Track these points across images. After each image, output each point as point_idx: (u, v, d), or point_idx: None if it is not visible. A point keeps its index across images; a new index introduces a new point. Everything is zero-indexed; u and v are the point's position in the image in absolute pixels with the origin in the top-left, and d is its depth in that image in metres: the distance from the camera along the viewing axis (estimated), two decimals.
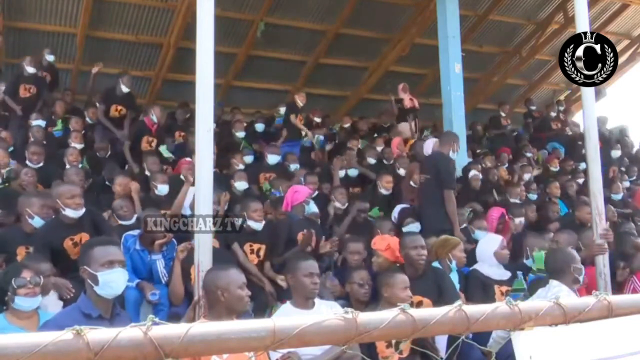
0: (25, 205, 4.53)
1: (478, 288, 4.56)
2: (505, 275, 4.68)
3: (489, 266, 4.69)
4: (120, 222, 5.10)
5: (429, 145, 6.96)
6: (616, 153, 9.92)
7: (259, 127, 9.27)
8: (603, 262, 4.18)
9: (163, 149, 7.56)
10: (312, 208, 5.65)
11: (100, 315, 2.62)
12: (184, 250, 4.27)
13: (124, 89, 8.09)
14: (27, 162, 6.38)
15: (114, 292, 2.71)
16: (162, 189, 5.87)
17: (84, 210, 4.39)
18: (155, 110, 7.82)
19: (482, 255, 4.80)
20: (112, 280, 2.67)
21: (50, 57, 8.61)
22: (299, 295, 3.47)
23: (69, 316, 2.59)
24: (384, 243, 4.49)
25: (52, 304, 3.71)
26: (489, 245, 4.80)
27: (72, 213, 4.34)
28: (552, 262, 3.90)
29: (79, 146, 7.25)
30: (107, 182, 6.40)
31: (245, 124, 8.86)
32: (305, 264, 3.46)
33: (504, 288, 4.56)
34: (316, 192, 6.36)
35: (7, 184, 5.88)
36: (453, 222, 5.57)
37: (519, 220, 6.41)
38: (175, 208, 5.21)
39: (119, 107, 8.01)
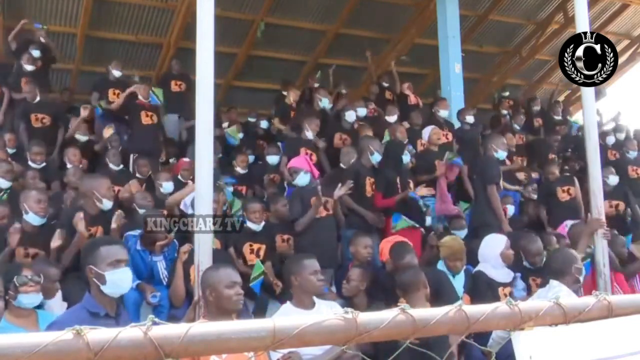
0: (22, 199, 4.49)
1: (484, 290, 4.44)
2: (509, 276, 4.55)
3: (493, 267, 4.55)
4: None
5: (426, 133, 7.05)
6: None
7: (264, 124, 9.09)
8: (603, 262, 4.18)
9: None
10: (300, 180, 5.48)
11: (107, 314, 2.64)
12: (186, 252, 4.26)
13: (116, 73, 8.15)
14: (30, 162, 6.33)
15: (121, 291, 2.77)
16: (167, 186, 5.84)
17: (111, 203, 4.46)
18: (141, 90, 7.68)
19: (486, 256, 4.63)
20: (119, 279, 2.71)
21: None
22: (303, 294, 3.45)
23: (76, 315, 2.59)
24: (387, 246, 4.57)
25: (57, 306, 3.76)
26: (494, 245, 4.65)
27: (105, 205, 4.39)
28: (553, 263, 3.88)
29: (84, 138, 7.29)
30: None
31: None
32: (310, 262, 3.48)
33: (507, 290, 4.47)
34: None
35: (15, 182, 5.84)
36: (498, 216, 5.70)
37: (509, 207, 6.37)
38: (170, 203, 5.20)
39: (117, 91, 7.97)
